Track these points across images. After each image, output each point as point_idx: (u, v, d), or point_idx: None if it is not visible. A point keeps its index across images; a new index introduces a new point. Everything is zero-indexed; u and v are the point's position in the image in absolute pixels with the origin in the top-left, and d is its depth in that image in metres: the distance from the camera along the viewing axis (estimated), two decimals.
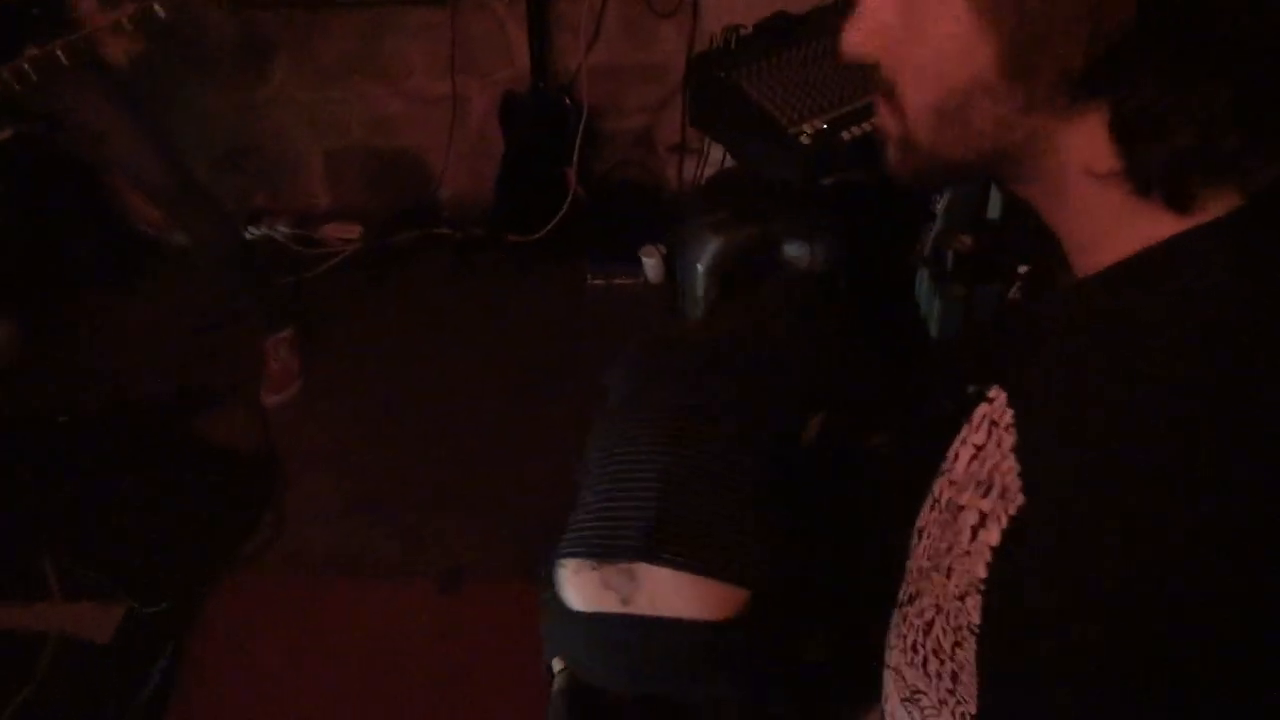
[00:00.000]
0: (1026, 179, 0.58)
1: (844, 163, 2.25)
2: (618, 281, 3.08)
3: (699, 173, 3.07)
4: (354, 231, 3.39)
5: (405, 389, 2.79)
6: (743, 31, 2.51)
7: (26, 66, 2.24)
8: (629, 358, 1.80)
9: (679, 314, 2.61)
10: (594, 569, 1.44)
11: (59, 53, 2.24)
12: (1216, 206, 0.52)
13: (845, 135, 2.23)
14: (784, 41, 2.44)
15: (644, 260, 3.06)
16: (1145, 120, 0.49)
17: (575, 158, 3.10)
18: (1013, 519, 0.53)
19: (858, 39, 0.58)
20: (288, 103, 3.31)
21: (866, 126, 2.24)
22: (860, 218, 2.44)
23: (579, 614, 1.45)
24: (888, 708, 0.70)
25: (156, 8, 2.25)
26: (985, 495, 0.57)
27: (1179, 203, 0.51)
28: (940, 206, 2.41)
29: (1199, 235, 0.51)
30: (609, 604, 1.42)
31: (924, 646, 0.62)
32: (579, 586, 1.45)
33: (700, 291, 2.48)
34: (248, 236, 3.32)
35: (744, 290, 2.37)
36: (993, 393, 0.60)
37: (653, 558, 1.39)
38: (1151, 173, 0.51)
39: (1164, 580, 0.45)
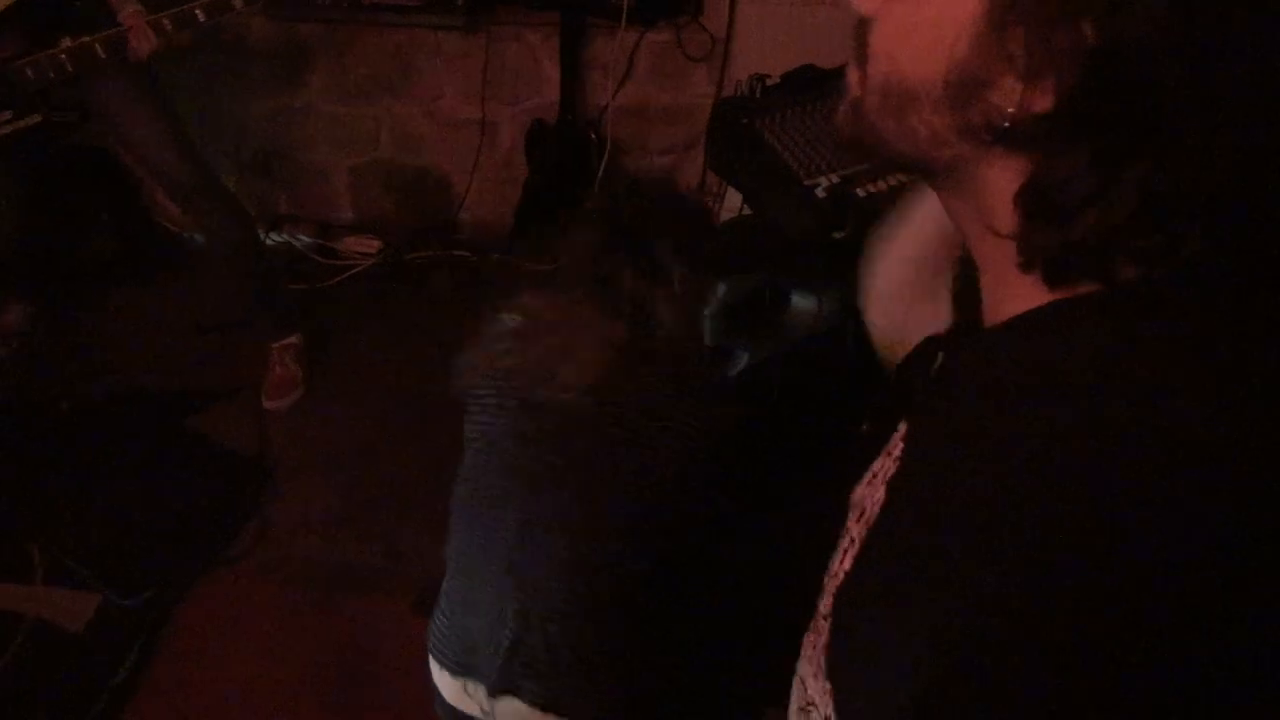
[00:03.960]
0: (952, 200, 0.58)
1: (857, 218, 2.26)
2: None
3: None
4: (373, 246, 3.42)
5: (405, 405, 2.79)
6: (769, 81, 2.53)
7: (63, 57, 2.29)
8: (500, 396, 1.55)
9: None
10: (454, 676, 1.43)
11: (97, 46, 2.28)
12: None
13: (860, 192, 2.24)
14: (809, 94, 2.45)
15: None
16: (1051, 200, 0.49)
17: (596, 191, 3.11)
18: (862, 543, 0.54)
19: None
20: (319, 114, 3.35)
21: (881, 185, 2.25)
22: None
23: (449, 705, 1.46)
24: (788, 715, 0.71)
25: (198, 12, 2.30)
26: (858, 520, 0.59)
27: (1055, 283, 0.51)
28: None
29: (1074, 306, 0.51)
30: (472, 709, 1.42)
31: (816, 659, 0.63)
32: (445, 684, 1.45)
33: (705, 336, 2.48)
34: (269, 242, 3.36)
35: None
36: (902, 426, 0.62)
37: (506, 689, 1.38)
38: (1037, 253, 0.51)
39: (981, 630, 0.45)
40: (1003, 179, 0.52)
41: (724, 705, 1.71)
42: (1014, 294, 0.54)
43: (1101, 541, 0.44)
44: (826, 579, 0.65)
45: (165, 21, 2.30)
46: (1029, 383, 0.51)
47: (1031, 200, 0.50)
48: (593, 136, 3.11)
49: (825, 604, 0.63)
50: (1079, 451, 0.46)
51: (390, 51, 3.21)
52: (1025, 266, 0.52)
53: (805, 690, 0.66)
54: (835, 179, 2.24)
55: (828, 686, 0.60)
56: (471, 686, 1.42)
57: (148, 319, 3.13)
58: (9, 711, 1.98)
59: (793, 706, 0.70)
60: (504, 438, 1.48)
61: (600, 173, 3.09)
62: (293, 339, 2.85)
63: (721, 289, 2.44)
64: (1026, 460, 0.47)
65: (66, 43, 2.28)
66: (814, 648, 0.65)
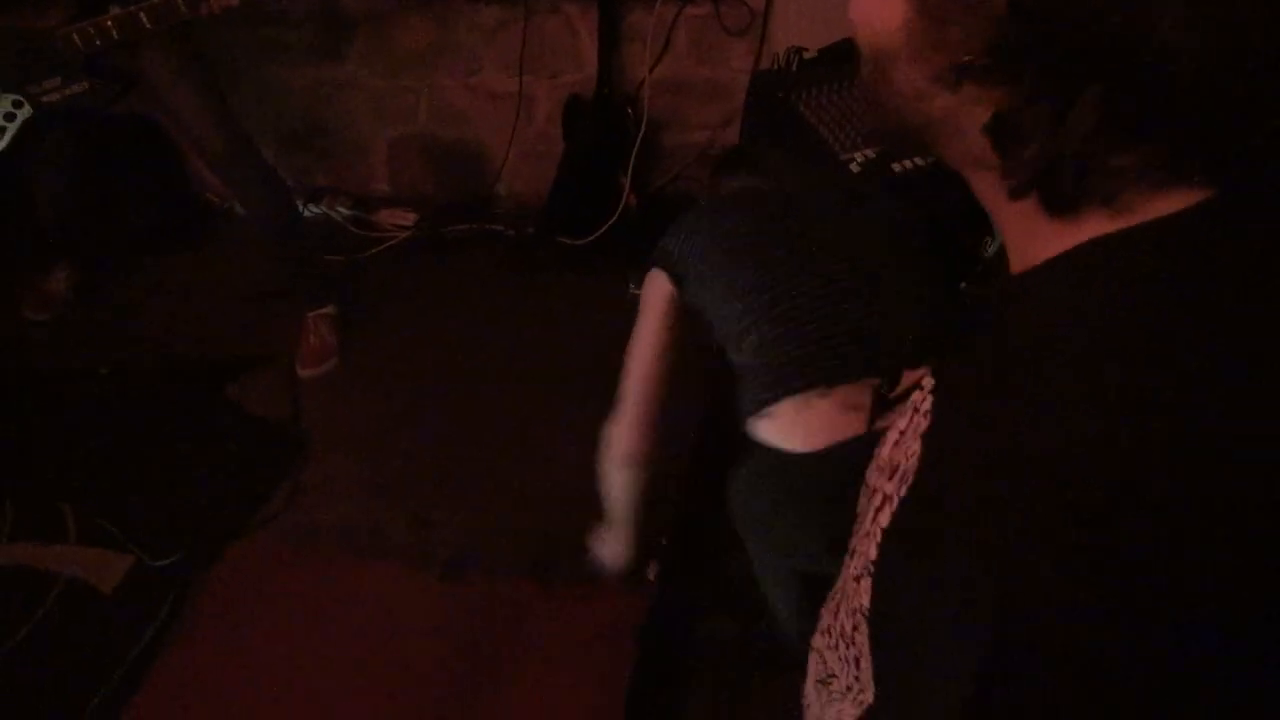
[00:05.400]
0: (960, 164, 0.59)
1: (893, 193, 2.23)
2: None
3: None
4: (409, 219, 3.43)
5: (438, 377, 2.80)
6: (806, 55, 2.50)
7: (110, 24, 2.31)
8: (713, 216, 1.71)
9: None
10: (824, 395, 1.32)
11: (142, 15, 2.30)
12: (1130, 217, 0.52)
13: (896, 167, 2.20)
14: (846, 69, 2.41)
15: None
16: (1014, 120, 0.51)
17: (631, 167, 3.10)
18: (903, 501, 0.53)
19: None
20: (359, 86, 3.36)
21: (918, 160, 2.21)
22: None
23: (807, 456, 1.33)
24: (805, 688, 0.71)
25: None
26: (891, 478, 0.59)
27: (1058, 209, 0.51)
28: (991, 249, 2.37)
29: (1088, 252, 0.51)
30: (852, 428, 1.29)
31: (835, 630, 0.62)
32: (807, 422, 1.34)
33: None
34: (307, 214, 3.38)
35: None
36: (926, 380, 0.62)
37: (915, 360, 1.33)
38: (1021, 173, 0.52)
39: (1044, 584, 0.45)
40: (982, 118, 0.54)
41: None
42: (1039, 242, 0.55)
43: (1114, 510, 0.44)
44: (854, 542, 0.64)
45: None
46: (1042, 335, 0.51)
47: (995, 128, 0.52)
48: (629, 112, 3.09)
49: (856, 565, 0.62)
50: (1081, 416, 0.46)
51: (430, 25, 3.20)
52: (1014, 193, 0.54)
53: (825, 663, 0.66)
54: (871, 154, 2.21)
55: (854, 644, 0.59)
56: (853, 394, 1.32)
57: (187, 287, 3.17)
58: (39, 669, 2.02)
59: (809, 680, 0.70)
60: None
61: (635, 148, 3.07)
62: (328, 309, 2.87)
63: None
64: (1034, 423, 0.48)
65: (115, 10, 2.31)
66: (834, 616, 0.64)
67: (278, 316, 2.94)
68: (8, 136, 2.41)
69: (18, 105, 2.38)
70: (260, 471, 2.49)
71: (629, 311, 3.04)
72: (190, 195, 3.52)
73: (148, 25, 2.31)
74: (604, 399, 2.69)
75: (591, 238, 3.17)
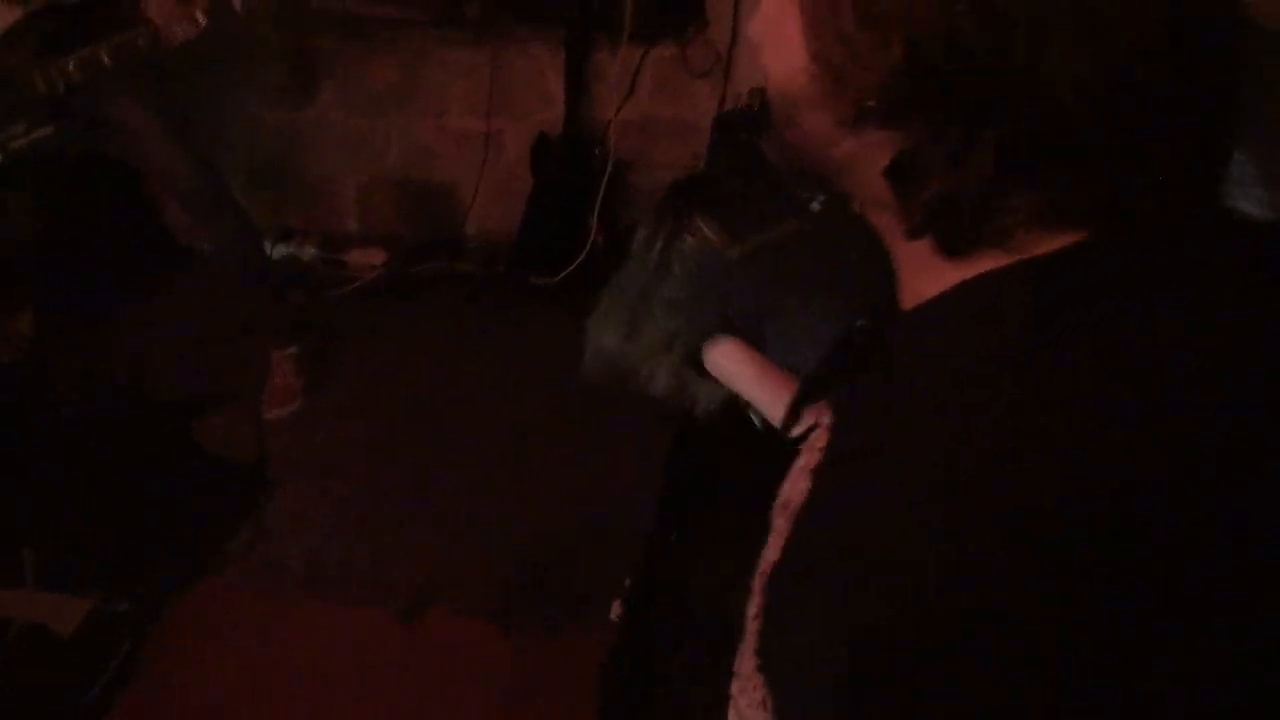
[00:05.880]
0: (865, 206, 0.61)
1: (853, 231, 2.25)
2: None
3: None
4: (379, 258, 3.43)
5: (405, 415, 2.80)
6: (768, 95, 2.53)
7: (71, 66, 2.31)
8: None
9: None
10: None
11: (103, 54, 2.30)
12: (1017, 252, 0.53)
13: (855, 207, 2.23)
14: None
15: None
16: (912, 163, 0.52)
17: (598, 206, 3.12)
18: (788, 533, 0.55)
19: (753, 25, 0.63)
20: (329, 126, 3.38)
21: None
22: None
23: None
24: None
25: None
26: (783, 511, 0.60)
27: (953, 249, 0.53)
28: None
29: (980, 284, 0.52)
30: None
31: (743, 673, 0.62)
32: None
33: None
34: (276, 254, 3.38)
35: None
36: (824, 418, 0.63)
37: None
38: (918, 215, 0.54)
39: (906, 621, 0.46)
40: (884, 161, 0.55)
41: None
42: (928, 278, 0.57)
43: (1009, 529, 0.45)
44: (754, 580, 0.64)
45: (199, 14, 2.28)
46: (933, 369, 0.53)
47: (894, 170, 0.54)
48: (597, 151, 3.11)
49: (754, 606, 0.62)
50: (976, 443, 0.48)
51: (399, 65, 3.23)
52: (910, 234, 0.55)
53: (739, 713, 0.66)
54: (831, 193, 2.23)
55: (760, 686, 0.59)
56: None
57: (154, 327, 3.15)
58: None
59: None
60: None
61: (603, 187, 3.10)
62: (292, 349, 2.86)
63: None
64: (933, 450, 0.49)
65: (76, 52, 2.31)
66: (741, 660, 0.64)
67: (243, 356, 2.93)
68: None
69: None
70: (223, 512, 2.47)
71: None
72: (157, 235, 3.50)
73: (108, 63, 2.30)
74: (565, 434, 2.71)
75: (560, 276, 3.19)
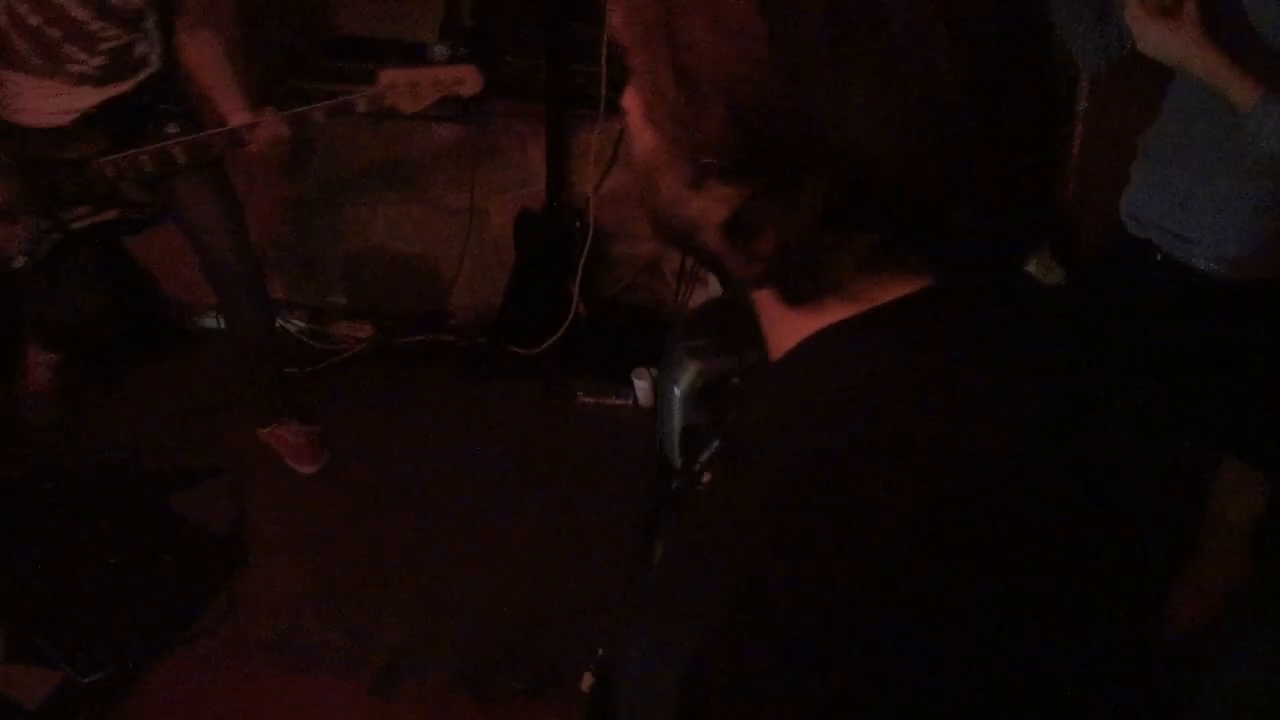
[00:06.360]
0: (724, 262, 0.61)
1: None
2: (608, 402, 3.09)
3: (686, 296, 3.13)
4: (365, 331, 3.47)
5: (386, 487, 2.80)
6: None
7: (144, 158, 2.38)
8: None
9: (657, 439, 2.61)
10: None
11: (177, 150, 2.38)
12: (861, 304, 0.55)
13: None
14: None
15: (635, 382, 3.08)
16: (746, 217, 0.54)
17: (579, 278, 3.16)
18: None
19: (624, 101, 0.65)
20: (316, 204, 3.43)
21: None
22: None
23: None
24: None
25: (318, 115, 2.46)
26: None
27: (795, 299, 0.54)
28: None
29: (832, 334, 0.54)
30: None
31: None
32: None
33: (676, 416, 2.48)
34: None
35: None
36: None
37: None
38: (755, 267, 0.55)
39: (726, 667, 0.47)
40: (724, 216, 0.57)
41: None
42: (786, 331, 0.59)
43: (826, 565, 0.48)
44: None
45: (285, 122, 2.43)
46: (773, 417, 0.56)
47: (730, 224, 0.56)
48: (578, 224, 3.16)
49: None
50: (805, 495, 0.50)
51: (385, 142, 3.30)
52: (754, 285, 0.58)
53: None
54: None
55: None
56: None
57: (140, 396, 3.17)
58: None
59: None
60: None
61: (582, 260, 3.14)
62: (293, 423, 2.88)
63: (691, 370, 2.45)
64: (751, 493, 0.52)
65: (148, 146, 2.39)
66: None
67: (227, 428, 2.94)
68: (37, 257, 2.47)
69: (50, 230, 2.45)
70: (197, 584, 2.46)
71: (578, 419, 3.09)
72: (152, 303, 3.54)
73: (181, 161, 2.38)
74: (545, 507, 2.71)
75: (542, 347, 3.22)
